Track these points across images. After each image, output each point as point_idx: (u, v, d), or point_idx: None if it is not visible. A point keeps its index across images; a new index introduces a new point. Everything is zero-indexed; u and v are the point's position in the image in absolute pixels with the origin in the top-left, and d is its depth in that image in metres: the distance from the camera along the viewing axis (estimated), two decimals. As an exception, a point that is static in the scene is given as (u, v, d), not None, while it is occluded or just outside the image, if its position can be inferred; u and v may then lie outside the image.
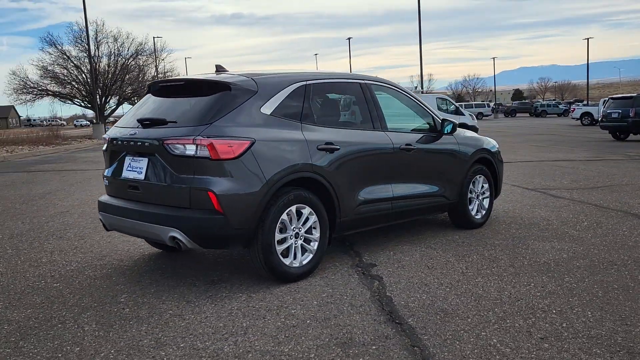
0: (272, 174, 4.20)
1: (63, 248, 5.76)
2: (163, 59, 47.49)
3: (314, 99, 4.88)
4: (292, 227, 4.42)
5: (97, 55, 39.68)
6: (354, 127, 5.13)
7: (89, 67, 37.83)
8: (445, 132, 5.79)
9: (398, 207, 5.34)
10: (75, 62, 40.09)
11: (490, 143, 6.55)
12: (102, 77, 40.53)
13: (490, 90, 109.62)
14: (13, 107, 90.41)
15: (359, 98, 5.21)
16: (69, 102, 42.24)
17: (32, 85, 40.29)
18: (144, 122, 4.37)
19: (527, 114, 64.66)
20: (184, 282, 4.55)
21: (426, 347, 3.24)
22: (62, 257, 5.39)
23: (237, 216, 4.07)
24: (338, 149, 4.71)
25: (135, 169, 4.41)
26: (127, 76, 42.10)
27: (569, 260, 4.95)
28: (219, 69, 4.93)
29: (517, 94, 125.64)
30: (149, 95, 4.87)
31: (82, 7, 31.84)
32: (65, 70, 40.53)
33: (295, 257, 4.46)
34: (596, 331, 3.42)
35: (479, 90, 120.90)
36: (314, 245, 4.58)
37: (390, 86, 5.67)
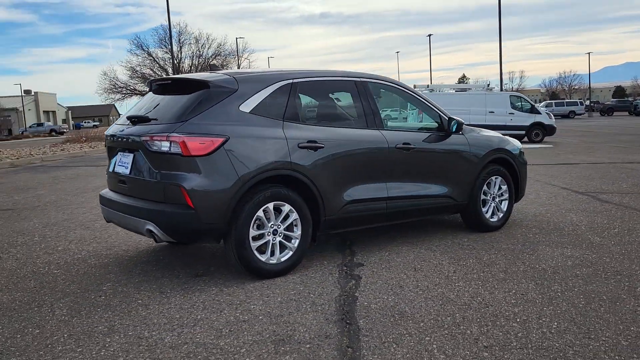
0: (246, 171, 4.27)
1: (83, 238, 6.14)
2: (247, 58, 48.87)
3: (301, 97, 4.90)
4: (270, 224, 4.47)
5: (179, 56, 41.57)
6: (344, 126, 5.08)
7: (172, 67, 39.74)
8: (452, 130, 5.62)
9: (395, 207, 5.25)
10: (160, 63, 42.24)
11: (510, 143, 6.26)
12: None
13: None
14: (114, 105, 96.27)
15: (353, 96, 5.17)
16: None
17: (120, 85, 42.91)
18: (132, 120, 4.59)
19: (627, 113, 60.51)
20: (170, 273, 4.73)
21: (360, 349, 3.19)
22: (77, 246, 5.75)
23: (208, 211, 4.18)
24: (322, 147, 4.70)
25: (124, 164, 4.64)
26: None
27: (571, 268, 4.66)
28: (213, 68, 5.07)
29: (619, 91, 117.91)
30: (149, 93, 5.09)
31: (172, 11, 33.67)
32: (151, 71, 42.79)
33: (273, 254, 4.50)
34: (550, 343, 3.23)
35: (576, 87, 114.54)
36: (295, 243, 4.61)
37: (391, 84, 5.58)
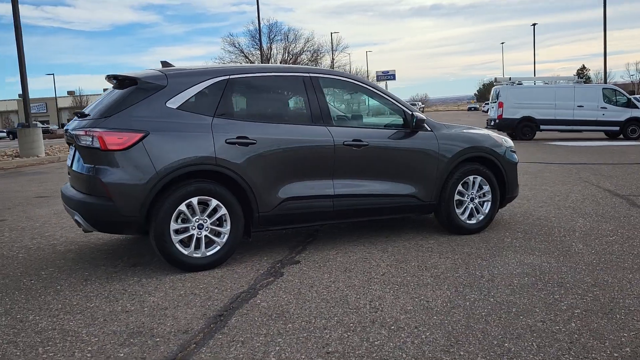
0: (164, 166, 4.37)
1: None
2: (349, 53, 49.12)
3: (237, 93, 4.91)
4: (194, 219, 4.54)
5: (269, 52, 42.70)
6: (283, 122, 5.00)
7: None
8: (413, 127, 5.36)
9: (344, 206, 5.10)
10: (250, 59, 43.60)
11: (492, 141, 5.84)
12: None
13: None
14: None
15: (299, 92, 5.09)
16: None
17: None
18: (78, 115, 4.85)
19: None
20: (113, 262, 4.94)
21: (203, 346, 3.18)
22: (75, 235, 6.08)
23: (125, 204, 4.33)
24: (254, 143, 4.69)
25: (70, 157, 4.92)
26: None
27: (513, 276, 4.30)
28: (164, 64, 5.20)
29: None
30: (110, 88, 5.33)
31: (283, 8, 35.04)
32: None
33: (198, 248, 4.57)
34: (398, 353, 3.02)
35: None
36: (224, 238, 4.64)
37: (347, 79, 5.42)
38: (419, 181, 5.42)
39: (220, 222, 4.64)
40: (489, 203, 5.77)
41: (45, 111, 72.85)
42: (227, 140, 4.59)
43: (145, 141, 4.37)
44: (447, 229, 5.70)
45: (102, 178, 4.32)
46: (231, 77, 4.82)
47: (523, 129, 20.80)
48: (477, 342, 3.15)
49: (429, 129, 5.50)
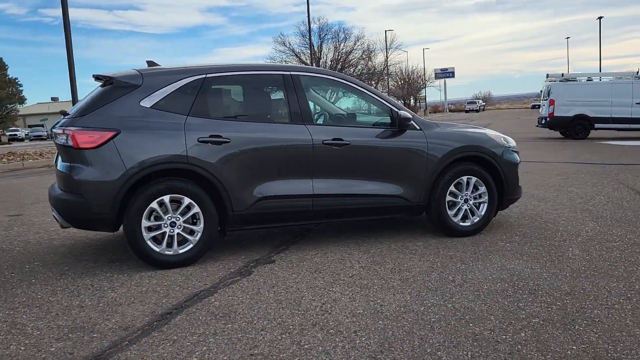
0: (134, 164, 4.42)
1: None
2: (405, 51, 48.79)
3: (213, 92, 4.90)
4: (167, 216, 4.58)
5: (319, 50, 42.81)
6: (259, 120, 4.96)
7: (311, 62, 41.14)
8: (398, 125, 5.21)
9: (324, 205, 5.01)
10: (302, 59, 43.80)
11: (491, 140, 5.59)
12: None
13: None
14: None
15: (278, 91, 5.04)
16: None
17: None
18: (63, 114, 4.99)
19: None
20: (94, 258, 5.06)
21: (134, 343, 3.19)
22: (76, 231, 6.22)
23: (96, 201, 4.42)
24: (228, 142, 4.68)
25: (56, 156, 5.07)
26: (353, 69, 44.38)
27: (487, 282, 4.09)
28: (150, 64, 5.27)
29: None
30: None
31: (345, 7, 35.19)
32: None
33: (170, 246, 4.61)
34: (334, 356, 2.94)
35: None
36: (197, 236, 4.66)
37: (330, 77, 5.34)
38: (406, 181, 5.26)
39: (193, 220, 4.66)
40: (485, 205, 5.53)
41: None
42: (200, 139, 4.61)
43: (116, 140, 4.44)
44: (439, 230, 5.51)
45: (75, 176, 4.43)
46: (207, 76, 4.84)
47: (576, 127, 19.88)
48: (410, 349, 3.02)
49: (418, 127, 5.33)
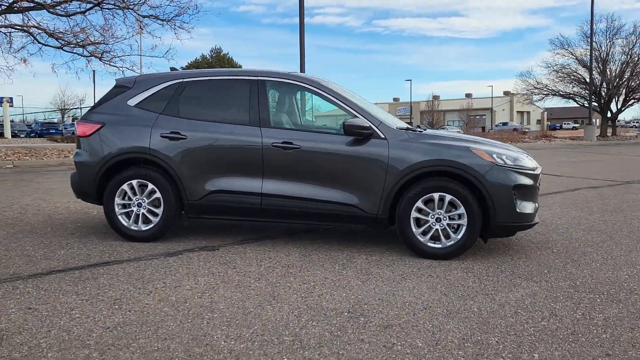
0: (108, 152, 5.41)
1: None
2: None
3: (186, 94, 5.52)
4: (135, 198, 5.45)
5: (606, 53, 37.72)
6: (217, 120, 5.38)
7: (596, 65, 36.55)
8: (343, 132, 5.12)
9: (273, 205, 5.22)
10: (583, 62, 39.20)
11: (472, 157, 4.94)
12: (610, 75, 38.18)
13: None
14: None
15: (242, 95, 5.40)
16: (572, 101, 41.92)
17: (539, 85, 41.90)
18: None
19: None
20: (84, 241, 5.99)
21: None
22: (78, 212, 7.46)
23: (84, 179, 5.54)
24: (185, 138, 5.31)
25: None
26: None
27: (393, 306, 3.91)
28: (172, 70, 6.18)
29: None
30: None
31: None
32: (571, 71, 40.33)
33: (136, 223, 5.47)
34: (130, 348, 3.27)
35: None
36: (157, 218, 5.43)
37: (297, 82, 5.44)
38: (361, 191, 5.10)
39: (156, 203, 5.43)
40: (464, 227, 4.99)
41: (409, 114, 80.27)
42: (162, 134, 5.35)
43: (101, 131, 5.48)
44: (408, 249, 5.20)
45: (75, 158, 5.64)
46: (184, 80, 5.54)
47: None
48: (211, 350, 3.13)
49: (382, 136, 5.12)
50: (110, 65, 17.84)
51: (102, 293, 4.01)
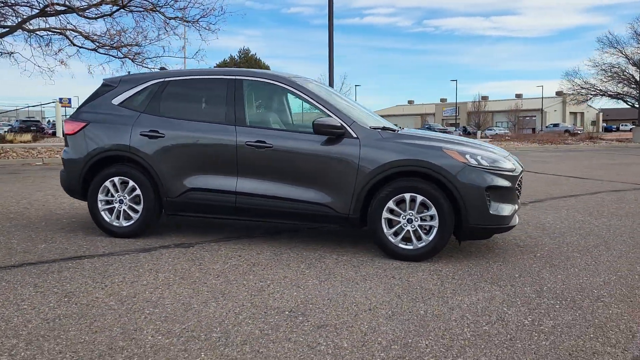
0: (92, 149, 5.54)
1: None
2: None
3: (167, 94, 5.58)
4: (117, 194, 5.57)
5: None
6: (194, 119, 5.41)
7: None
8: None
9: (247, 204, 5.24)
10: (635, 61, 37.58)
11: (443, 157, 4.82)
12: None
13: None
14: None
15: (219, 94, 5.43)
16: (621, 101, 40.23)
17: (586, 86, 40.44)
18: None
19: None
20: (69, 236, 6.24)
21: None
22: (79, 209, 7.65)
23: (71, 176, 5.70)
24: (162, 137, 5.39)
25: None
26: None
27: (334, 305, 3.91)
28: (161, 70, 6.29)
29: None
30: None
31: None
32: (619, 70, 38.71)
33: (118, 219, 5.59)
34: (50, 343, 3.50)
35: None
36: (137, 214, 5.53)
37: (275, 82, 5.42)
38: (333, 191, 5.07)
39: (137, 200, 5.54)
40: (435, 229, 4.90)
41: (455, 114, 79.13)
42: (141, 133, 5.45)
43: (86, 129, 5.63)
44: (379, 250, 5.13)
45: (63, 155, 5.80)
46: (167, 79, 5.62)
47: None
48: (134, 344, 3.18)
49: (354, 135, 5.07)
50: (142, 66, 18.30)
51: (59, 286, 4.12)
